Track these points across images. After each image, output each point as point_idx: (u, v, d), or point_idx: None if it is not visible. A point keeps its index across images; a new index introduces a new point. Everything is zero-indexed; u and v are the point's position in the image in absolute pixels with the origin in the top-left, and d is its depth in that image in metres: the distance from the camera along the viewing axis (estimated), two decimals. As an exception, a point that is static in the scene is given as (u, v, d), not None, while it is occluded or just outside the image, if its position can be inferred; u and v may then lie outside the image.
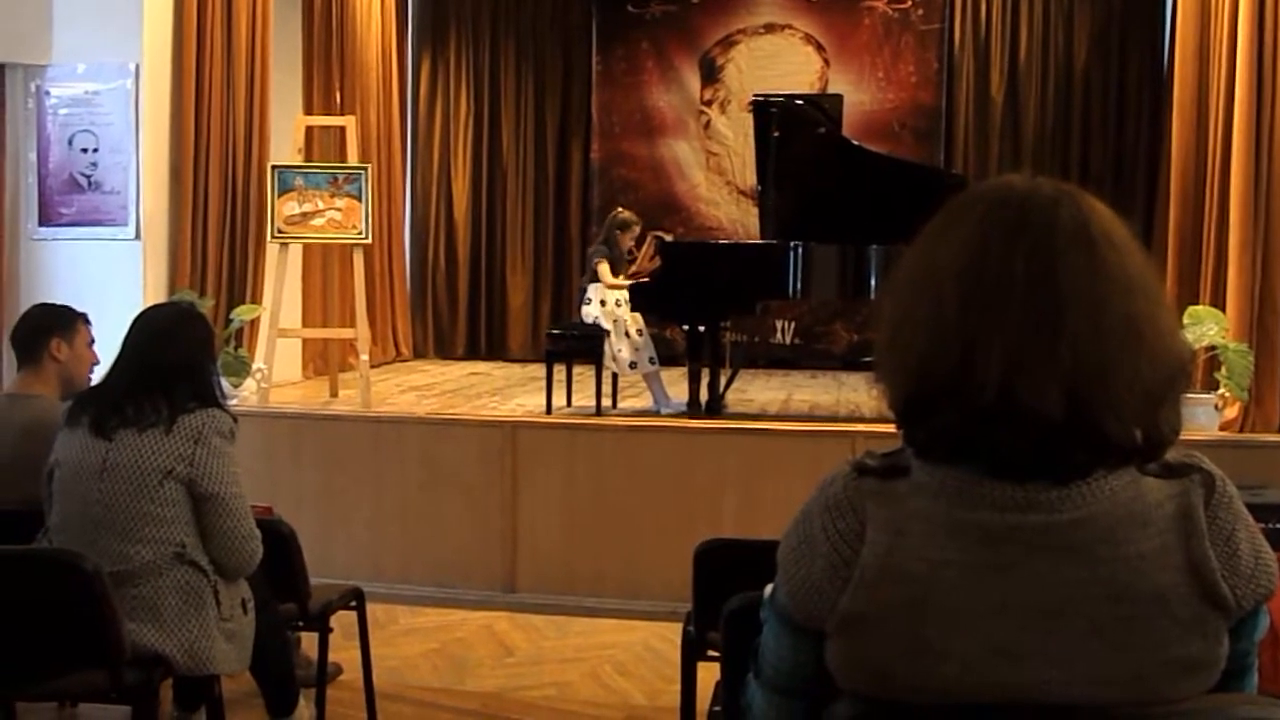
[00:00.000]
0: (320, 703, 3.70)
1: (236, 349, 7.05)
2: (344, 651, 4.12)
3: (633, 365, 7.26)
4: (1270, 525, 3.89)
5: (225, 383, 6.67)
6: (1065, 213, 1.21)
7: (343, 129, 7.97)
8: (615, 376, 7.46)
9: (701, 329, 6.78)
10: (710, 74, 10.73)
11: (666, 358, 7.77)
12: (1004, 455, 1.18)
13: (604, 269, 7.27)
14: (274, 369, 7.31)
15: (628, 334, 7.25)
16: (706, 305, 6.77)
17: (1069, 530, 1.17)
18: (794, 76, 10.29)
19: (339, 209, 7.39)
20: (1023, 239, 1.20)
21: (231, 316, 7.12)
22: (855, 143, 7.30)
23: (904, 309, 1.24)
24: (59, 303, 3.69)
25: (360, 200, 7.41)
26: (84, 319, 3.54)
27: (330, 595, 3.76)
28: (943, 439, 1.21)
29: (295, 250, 8.04)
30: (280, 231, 7.32)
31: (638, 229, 7.63)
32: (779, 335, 10.43)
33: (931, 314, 1.20)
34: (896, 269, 1.28)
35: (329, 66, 9.25)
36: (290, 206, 7.30)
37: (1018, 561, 1.17)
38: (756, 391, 8.48)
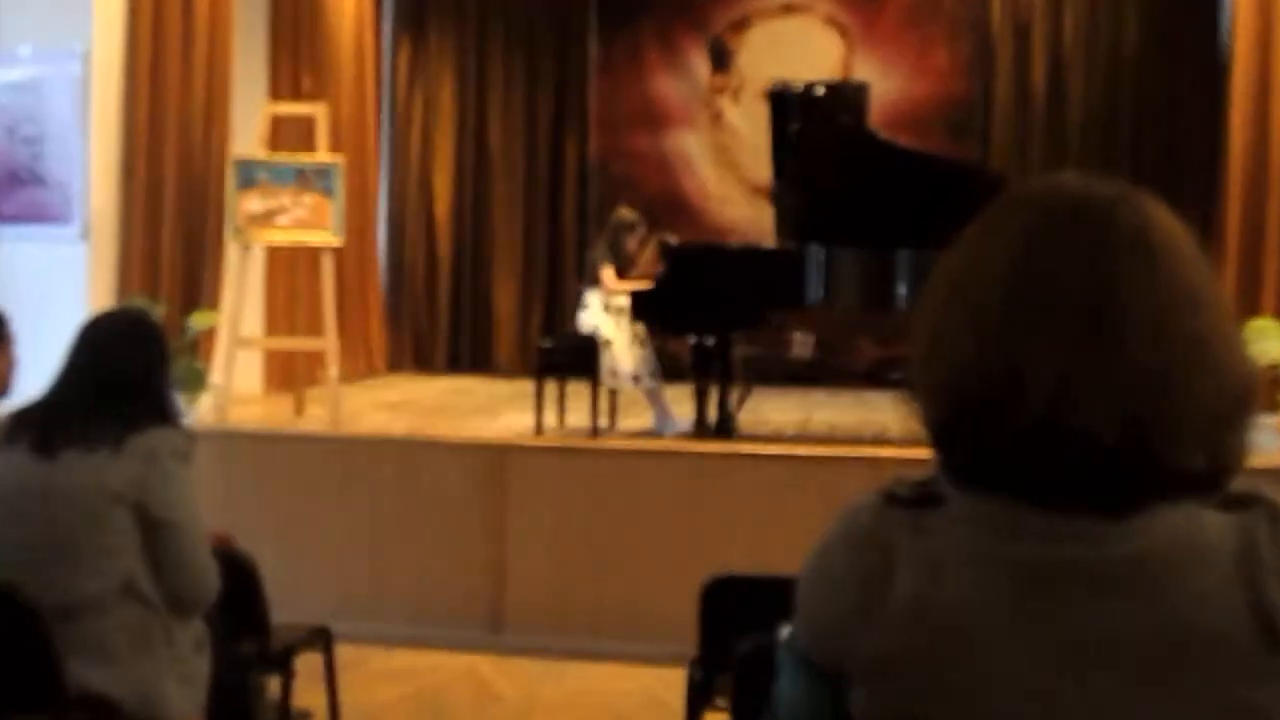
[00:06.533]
0: (283, 755, 3.69)
1: (192, 360, 7.05)
2: (309, 697, 4.11)
3: (635, 379, 7.25)
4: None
5: (179, 398, 6.67)
6: (1123, 217, 1.21)
7: (311, 118, 7.98)
8: (614, 393, 7.46)
9: (710, 341, 6.79)
10: (721, 60, 10.76)
11: (670, 373, 7.77)
12: (1051, 483, 1.18)
13: (608, 272, 7.28)
14: (233, 383, 7.31)
15: (629, 344, 7.25)
16: (715, 315, 6.77)
17: (1121, 567, 1.17)
18: (814, 63, 10.30)
19: (307, 207, 7.40)
20: (1076, 245, 1.20)
21: (187, 324, 7.13)
22: (882, 136, 7.32)
23: (941, 320, 1.24)
24: None
25: (330, 197, 7.42)
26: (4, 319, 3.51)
27: (294, 634, 3.76)
28: (983, 464, 1.21)
29: (258, 252, 8.05)
30: (241, 231, 7.33)
31: (641, 230, 7.65)
32: (796, 349, 10.44)
33: (972, 326, 1.20)
34: (933, 277, 1.28)
35: (296, 50, 9.27)
36: (253, 204, 7.31)
37: (1064, 601, 1.17)
38: (771, 411, 8.48)
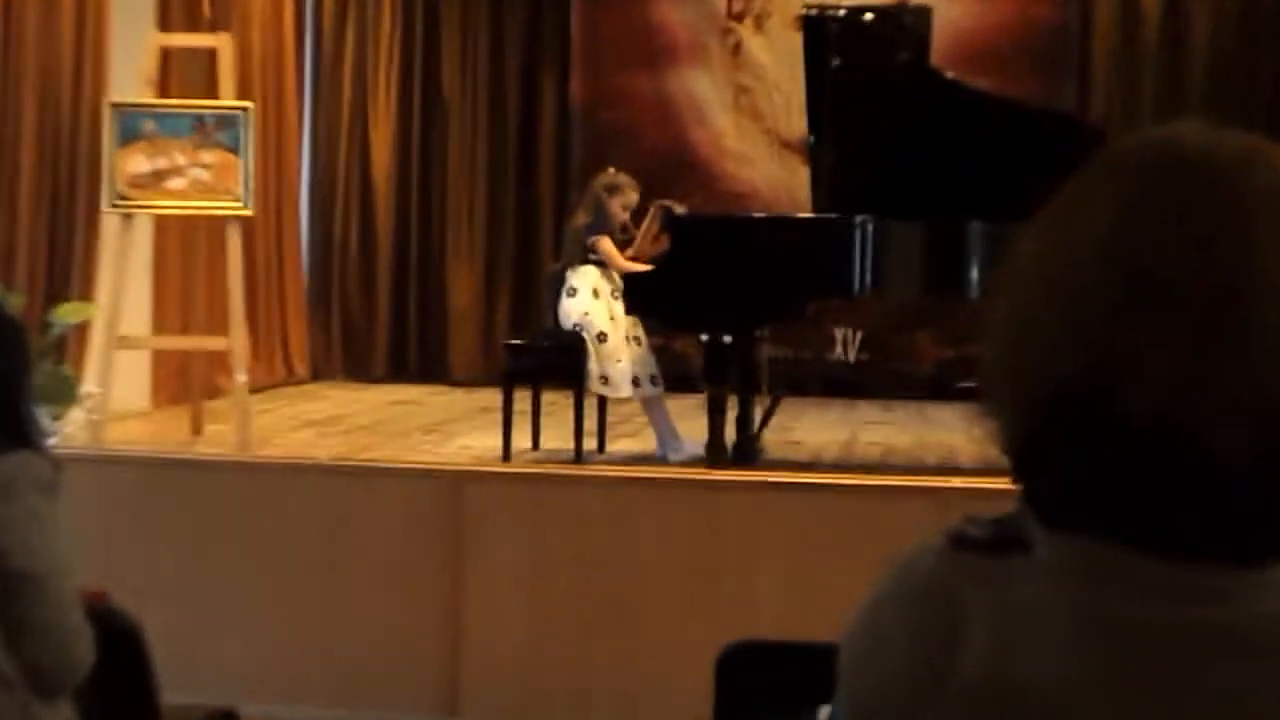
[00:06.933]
0: None
1: (58, 364, 7.05)
2: (211, 801, 4.12)
3: (635, 383, 7.24)
4: None
5: (42, 413, 6.67)
6: (1255, 178, 1.21)
7: (213, 52, 7.99)
8: (603, 405, 7.46)
9: (727, 340, 6.79)
10: (740, -24, 10.79)
11: (677, 380, 7.77)
12: (1164, 520, 1.18)
13: (608, 245, 7.26)
14: (112, 394, 7.31)
15: (626, 339, 7.25)
16: (734, 305, 6.78)
17: (1256, 629, 1.17)
18: (860, -20, 10.35)
19: (207, 166, 7.40)
20: (1196, 215, 1.20)
21: (51, 319, 7.13)
22: (948, 75, 7.33)
23: (1022, 312, 1.24)
24: None
25: (238, 154, 7.42)
26: None
27: (191, 718, 3.75)
28: (1077, 496, 1.21)
29: (144, 224, 8.05)
30: (122, 198, 7.33)
31: (634, 196, 7.65)
32: (839, 349, 10.45)
33: (1061, 319, 1.21)
34: (1012, 257, 1.28)
35: (195, -37, 9.28)
36: (137, 163, 7.31)
37: (1183, 672, 1.18)
38: (806, 430, 8.49)
